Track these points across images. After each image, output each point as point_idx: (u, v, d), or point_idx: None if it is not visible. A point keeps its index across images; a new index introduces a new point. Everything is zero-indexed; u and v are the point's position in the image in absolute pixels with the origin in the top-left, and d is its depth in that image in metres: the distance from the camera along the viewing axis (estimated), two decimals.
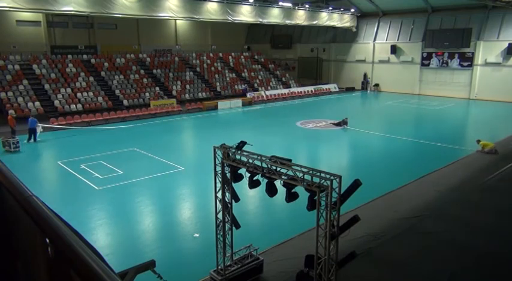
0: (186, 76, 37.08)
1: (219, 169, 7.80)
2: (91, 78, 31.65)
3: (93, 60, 34.12)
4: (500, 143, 19.55)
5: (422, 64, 38.76)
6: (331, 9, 39.23)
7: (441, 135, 21.53)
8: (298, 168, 6.51)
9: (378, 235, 9.90)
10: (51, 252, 1.26)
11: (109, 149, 18.83)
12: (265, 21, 34.73)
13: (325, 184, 6.09)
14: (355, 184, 6.18)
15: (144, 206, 12.61)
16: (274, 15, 34.89)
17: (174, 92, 34.18)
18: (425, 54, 38.39)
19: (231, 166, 7.60)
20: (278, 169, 6.80)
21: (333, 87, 43.25)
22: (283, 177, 6.72)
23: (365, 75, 43.44)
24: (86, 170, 15.64)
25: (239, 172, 7.61)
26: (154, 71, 35.95)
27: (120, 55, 36.00)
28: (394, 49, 40.30)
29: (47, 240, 1.24)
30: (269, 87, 40.61)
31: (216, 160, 7.76)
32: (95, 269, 1.03)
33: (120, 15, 26.61)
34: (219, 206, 7.98)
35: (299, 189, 6.63)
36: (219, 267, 8.05)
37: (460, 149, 18.87)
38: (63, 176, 15.41)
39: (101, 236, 10.51)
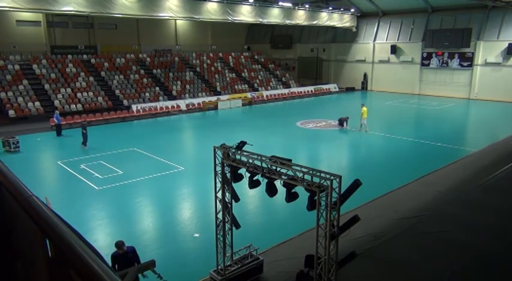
0: (186, 76, 37.09)
1: (219, 169, 7.78)
2: (91, 78, 31.66)
3: (93, 60, 34.12)
4: (500, 143, 19.56)
5: (422, 64, 38.76)
6: (331, 9, 39.23)
7: (441, 135, 21.52)
8: (298, 168, 6.49)
9: (378, 235, 9.90)
10: (51, 252, 1.26)
11: (109, 149, 18.84)
12: (265, 21, 34.73)
13: (325, 184, 6.08)
14: (355, 184, 6.16)
15: (144, 206, 12.61)
16: (274, 15, 34.89)
17: (174, 92, 34.19)
18: (425, 54, 38.39)
19: (231, 166, 7.57)
20: (278, 169, 6.78)
21: (333, 87, 43.26)
22: (283, 177, 6.70)
23: (365, 76, 43.47)
24: (86, 170, 15.64)
25: (239, 172, 7.57)
26: (154, 71, 35.95)
27: (120, 55, 36.00)
28: (394, 49, 40.31)
29: (47, 240, 1.24)
30: (269, 87, 40.62)
31: (216, 160, 7.74)
32: (95, 269, 1.03)
33: (120, 15, 26.62)
34: (219, 206, 7.97)
35: (299, 189, 6.62)
36: (219, 267, 8.05)
37: (460, 149, 18.87)
38: (63, 176, 15.41)
39: (101, 236, 10.51)
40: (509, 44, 33.16)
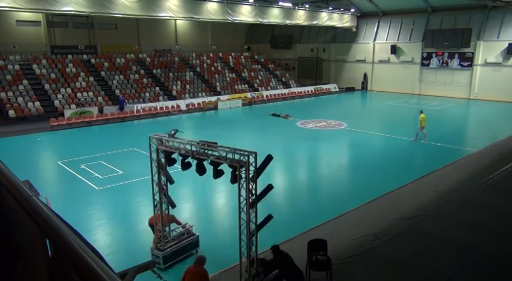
0: (186, 76, 37.10)
1: (155, 155, 8.54)
2: (91, 78, 31.67)
3: (93, 60, 34.14)
4: (500, 143, 19.56)
5: (422, 64, 38.77)
6: (331, 9, 39.25)
7: (441, 135, 21.52)
8: (223, 149, 7.41)
9: (378, 235, 9.89)
10: (51, 252, 1.26)
11: (109, 149, 18.83)
12: (265, 21, 34.74)
13: (243, 159, 7.02)
14: (268, 159, 7.00)
15: (144, 206, 12.59)
16: (274, 15, 34.90)
17: (174, 92, 34.20)
18: (425, 54, 38.40)
19: (165, 152, 8.42)
20: (206, 150, 7.66)
21: (332, 87, 43.27)
22: (210, 157, 7.58)
23: (365, 76, 43.49)
24: (86, 170, 15.64)
25: (172, 156, 8.45)
26: (154, 71, 35.96)
27: (120, 55, 36.01)
28: (394, 49, 40.31)
29: (47, 240, 1.24)
30: (269, 87, 40.62)
31: (152, 147, 8.51)
32: (95, 269, 1.03)
33: (120, 15, 26.63)
34: (156, 188, 8.77)
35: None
36: (159, 244, 8.85)
37: (460, 149, 18.87)
38: (63, 176, 15.41)
39: (101, 236, 10.51)
40: (509, 44, 33.16)
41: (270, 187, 7.21)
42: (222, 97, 34.35)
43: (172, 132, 8.49)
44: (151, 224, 9.36)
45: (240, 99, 34.09)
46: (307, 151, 19.68)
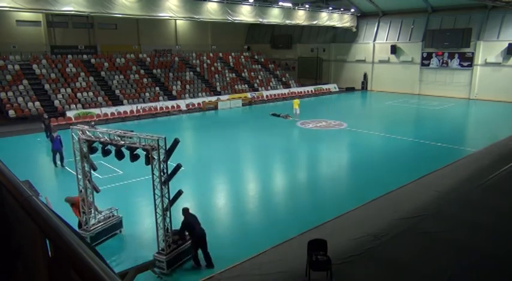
0: (186, 76, 37.10)
1: (77, 145, 9.37)
2: (91, 78, 31.66)
3: (93, 60, 34.13)
4: (500, 143, 19.56)
5: (422, 64, 38.76)
6: (331, 9, 39.25)
7: (441, 135, 21.52)
8: (138, 135, 8.42)
9: (378, 235, 9.89)
10: (51, 252, 1.26)
11: None
12: (265, 21, 34.74)
13: (154, 144, 8.00)
14: (175, 142, 8.04)
15: (144, 206, 12.59)
16: (274, 15, 34.90)
17: (174, 92, 34.20)
18: (425, 54, 38.39)
19: (87, 141, 9.27)
20: (123, 138, 8.59)
21: (332, 87, 43.27)
22: (126, 144, 8.54)
23: (365, 76, 43.50)
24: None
25: (93, 145, 9.32)
26: (154, 71, 35.96)
27: (120, 55, 36.01)
28: (394, 49, 40.31)
29: (47, 240, 1.24)
30: (269, 87, 40.62)
31: (74, 138, 9.32)
32: (95, 269, 1.03)
33: (120, 15, 26.63)
34: (80, 175, 9.56)
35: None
36: (86, 226, 9.73)
37: (460, 149, 18.87)
38: (63, 176, 15.39)
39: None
40: (509, 44, 33.16)
41: (178, 166, 8.20)
42: (222, 97, 34.35)
43: (93, 123, 9.18)
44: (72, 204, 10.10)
45: (240, 99, 34.09)
46: (307, 151, 19.67)
